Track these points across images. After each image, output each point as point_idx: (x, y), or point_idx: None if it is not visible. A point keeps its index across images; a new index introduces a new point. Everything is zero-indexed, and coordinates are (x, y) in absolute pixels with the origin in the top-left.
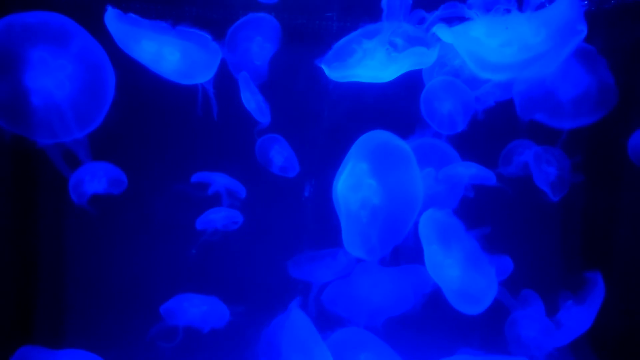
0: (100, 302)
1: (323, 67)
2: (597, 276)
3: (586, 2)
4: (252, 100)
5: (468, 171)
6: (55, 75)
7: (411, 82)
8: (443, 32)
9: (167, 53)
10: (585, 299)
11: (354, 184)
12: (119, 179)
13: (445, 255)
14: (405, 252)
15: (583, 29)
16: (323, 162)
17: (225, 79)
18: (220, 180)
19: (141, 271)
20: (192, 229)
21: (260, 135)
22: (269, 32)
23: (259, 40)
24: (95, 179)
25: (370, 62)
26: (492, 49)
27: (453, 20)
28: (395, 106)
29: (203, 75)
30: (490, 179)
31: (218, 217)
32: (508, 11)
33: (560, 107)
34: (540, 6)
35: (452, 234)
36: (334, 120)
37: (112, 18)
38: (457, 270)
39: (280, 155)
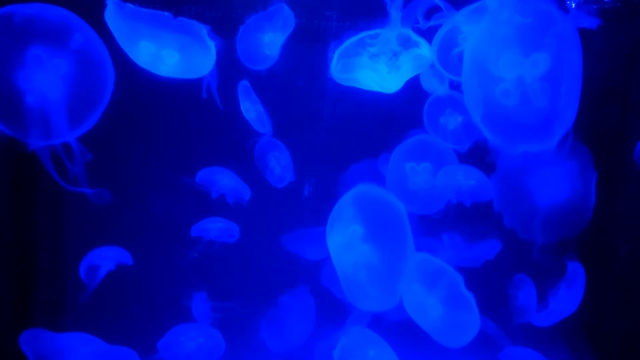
0: (99, 299)
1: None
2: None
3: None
4: (252, 109)
5: (467, 182)
6: (51, 75)
7: (411, 82)
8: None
9: (166, 55)
10: (568, 282)
11: (347, 244)
12: (126, 262)
13: (427, 294)
14: None
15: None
16: (322, 161)
17: (231, 75)
18: (225, 180)
19: (141, 269)
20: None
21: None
22: (282, 23)
23: (271, 34)
24: (106, 261)
25: (374, 67)
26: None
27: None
28: (395, 105)
29: (201, 72)
30: (487, 194)
31: (214, 228)
32: None
33: (533, 210)
34: None
35: (436, 274)
36: (334, 120)
37: (112, 13)
38: (440, 309)
39: (277, 164)
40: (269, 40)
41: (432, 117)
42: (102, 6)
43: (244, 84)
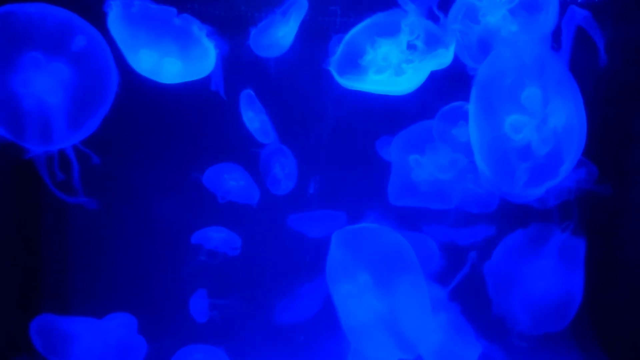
0: (102, 302)
1: (333, 72)
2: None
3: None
4: (255, 119)
5: (475, 189)
6: (51, 78)
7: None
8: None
9: (168, 63)
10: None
11: (355, 294)
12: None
13: None
14: None
15: None
16: (326, 161)
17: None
18: (232, 181)
19: (141, 272)
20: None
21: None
22: (296, 15)
23: (285, 28)
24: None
25: (385, 69)
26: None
27: None
28: (402, 102)
29: (201, 74)
30: (493, 204)
31: (216, 237)
32: None
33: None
34: None
35: (437, 301)
36: (339, 117)
37: (115, 19)
38: (439, 334)
39: (282, 171)
40: (284, 33)
41: (444, 128)
42: (107, 7)
43: (247, 93)
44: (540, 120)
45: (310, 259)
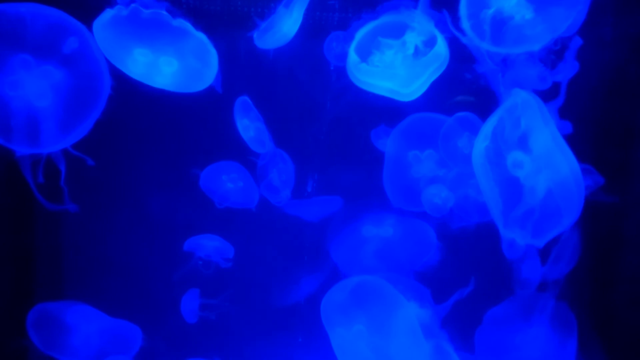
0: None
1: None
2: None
3: None
4: (251, 127)
5: (476, 197)
6: (41, 80)
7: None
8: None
9: (163, 64)
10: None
11: (351, 340)
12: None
13: None
14: None
15: None
16: (325, 155)
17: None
18: (230, 183)
19: (136, 273)
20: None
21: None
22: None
23: (289, 22)
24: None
25: (390, 71)
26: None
27: None
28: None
29: (200, 85)
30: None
31: (209, 246)
32: None
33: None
34: None
35: (425, 329)
36: (337, 113)
37: (102, 25)
38: None
39: (278, 178)
40: (289, 26)
41: (449, 140)
42: (101, 9)
43: (242, 100)
44: (537, 167)
45: (309, 259)
